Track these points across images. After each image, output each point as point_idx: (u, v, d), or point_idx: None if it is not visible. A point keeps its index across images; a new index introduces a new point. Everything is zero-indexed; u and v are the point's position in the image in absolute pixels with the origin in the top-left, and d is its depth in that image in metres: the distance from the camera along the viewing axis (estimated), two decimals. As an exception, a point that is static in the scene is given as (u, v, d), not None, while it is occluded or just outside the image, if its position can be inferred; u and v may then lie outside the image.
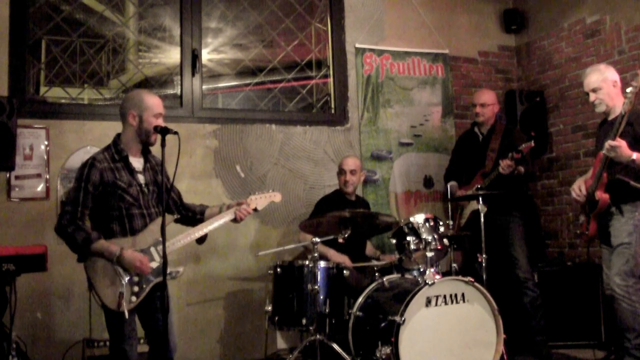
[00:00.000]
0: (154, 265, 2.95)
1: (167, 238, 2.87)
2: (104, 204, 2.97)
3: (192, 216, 3.33)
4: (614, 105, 3.74)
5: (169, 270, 2.88)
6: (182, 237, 3.10)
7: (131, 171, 3.03)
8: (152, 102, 3.05)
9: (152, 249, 2.97)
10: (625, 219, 3.64)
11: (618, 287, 3.64)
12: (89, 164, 2.95)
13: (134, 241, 2.96)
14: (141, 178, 3.06)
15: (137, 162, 3.07)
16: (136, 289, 2.91)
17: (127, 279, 2.89)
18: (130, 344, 2.98)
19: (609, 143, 3.49)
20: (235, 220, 3.30)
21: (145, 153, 3.13)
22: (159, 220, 2.95)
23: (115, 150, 3.03)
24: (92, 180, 2.92)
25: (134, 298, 2.90)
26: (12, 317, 3.49)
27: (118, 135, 3.09)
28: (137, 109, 3.02)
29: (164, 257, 2.78)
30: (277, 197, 3.53)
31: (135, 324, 3.03)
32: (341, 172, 4.54)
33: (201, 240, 3.26)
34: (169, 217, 3.17)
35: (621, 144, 3.46)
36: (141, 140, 3.06)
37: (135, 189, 3.01)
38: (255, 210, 3.39)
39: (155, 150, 3.08)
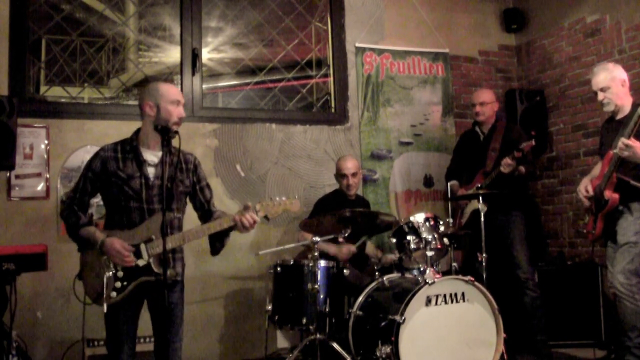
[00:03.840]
0: (141, 263, 2.79)
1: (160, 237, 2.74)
2: (107, 193, 2.92)
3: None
4: (622, 104, 3.72)
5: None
6: (176, 239, 2.87)
7: (140, 163, 2.88)
8: (168, 89, 2.94)
9: (142, 246, 2.80)
10: (633, 217, 3.63)
11: (621, 286, 3.63)
12: (95, 153, 2.94)
13: (128, 235, 2.82)
14: (151, 171, 2.88)
15: (152, 155, 2.91)
16: (118, 284, 2.78)
17: (110, 273, 2.77)
18: (119, 342, 2.84)
19: (623, 142, 3.45)
20: (236, 227, 2.90)
21: (167, 147, 2.89)
22: (156, 217, 2.82)
23: (129, 141, 2.94)
24: (92, 167, 2.90)
25: (114, 294, 2.77)
26: (13, 316, 3.48)
27: (138, 130, 2.98)
28: (153, 97, 2.89)
29: (164, 256, 2.70)
30: (294, 206, 3.03)
31: (130, 322, 2.89)
32: (342, 176, 4.48)
33: (216, 251, 3.05)
34: (168, 216, 2.87)
35: (636, 143, 3.44)
36: (160, 130, 2.86)
37: (139, 181, 2.86)
38: (266, 218, 2.99)
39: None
